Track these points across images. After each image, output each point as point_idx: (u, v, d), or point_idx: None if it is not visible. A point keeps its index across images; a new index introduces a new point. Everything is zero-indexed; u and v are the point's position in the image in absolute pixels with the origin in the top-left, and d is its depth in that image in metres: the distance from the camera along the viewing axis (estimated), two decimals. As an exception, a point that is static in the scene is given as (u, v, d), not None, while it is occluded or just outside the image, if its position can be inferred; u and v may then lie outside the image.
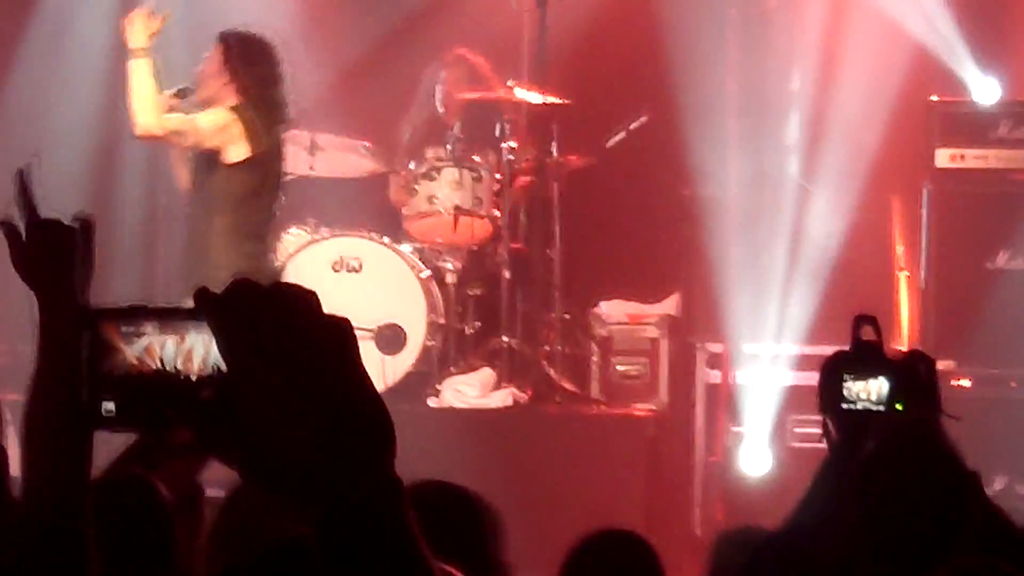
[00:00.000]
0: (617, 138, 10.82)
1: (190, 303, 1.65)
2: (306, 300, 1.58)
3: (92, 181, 11.21)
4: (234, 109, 8.74)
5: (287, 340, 1.56)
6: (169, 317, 1.70)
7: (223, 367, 1.57)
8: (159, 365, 1.69)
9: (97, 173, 11.34)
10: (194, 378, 1.68)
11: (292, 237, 9.99)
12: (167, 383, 1.67)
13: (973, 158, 10.28)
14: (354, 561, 1.58)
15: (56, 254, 2.84)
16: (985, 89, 10.79)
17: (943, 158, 10.26)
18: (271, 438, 1.56)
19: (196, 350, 1.68)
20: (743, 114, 11.10)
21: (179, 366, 1.68)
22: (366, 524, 1.58)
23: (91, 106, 11.24)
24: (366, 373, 1.60)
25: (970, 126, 10.44)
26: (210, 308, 1.58)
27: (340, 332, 1.58)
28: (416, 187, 10.15)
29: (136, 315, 1.71)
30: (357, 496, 1.57)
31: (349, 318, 1.60)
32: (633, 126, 10.83)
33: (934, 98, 10.48)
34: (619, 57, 11.19)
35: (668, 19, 10.92)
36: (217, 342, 1.57)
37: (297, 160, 10.30)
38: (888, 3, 10.86)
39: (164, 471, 4.20)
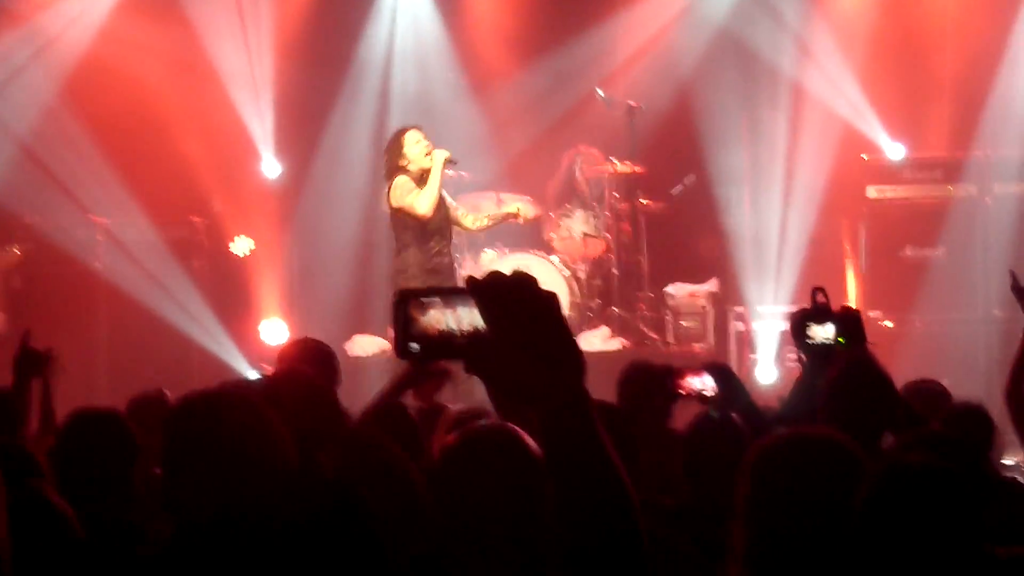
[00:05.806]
0: (677, 189, 12.77)
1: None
2: (530, 281, 1.92)
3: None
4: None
5: (521, 305, 1.92)
6: (448, 294, 2.00)
7: (481, 327, 1.95)
8: (443, 326, 2.00)
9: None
10: (463, 332, 1.99)
11: (487, 254, 12.08)
12: (448, 335, 1.98)
13: (890, 191, 12.28)
14: (564, 440, 1.92)
15: None
16: (894, 150, 12.76)
17: (872, 192, 12.31)
18: (511, 365, 1.91)
19: (464, 317, 1.98)
20: (750, 171, 12.96)
21: (454, 326, 1.98)
22: (566, 419, 1.93)
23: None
24: (567, 325, 1.94)
25: (887, 172, 12.40)
26: (475, 288, 1.92)
27: (550, 301, 1.93)
28: (560, 223, 12.30)
29: (429, 293, 1.99)
30: (562, 401, 1.93)
31: (556, 293, 1.90)
32: (686, 182, 12.87)
33: (864, 156, 12.57)
34: (677, 141, 12.94)
35: (707, 126, 13.03)
36: (479, 308, 1.92)
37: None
38: (837, 104, 12.77)
39: (421, 390, 5.19)
